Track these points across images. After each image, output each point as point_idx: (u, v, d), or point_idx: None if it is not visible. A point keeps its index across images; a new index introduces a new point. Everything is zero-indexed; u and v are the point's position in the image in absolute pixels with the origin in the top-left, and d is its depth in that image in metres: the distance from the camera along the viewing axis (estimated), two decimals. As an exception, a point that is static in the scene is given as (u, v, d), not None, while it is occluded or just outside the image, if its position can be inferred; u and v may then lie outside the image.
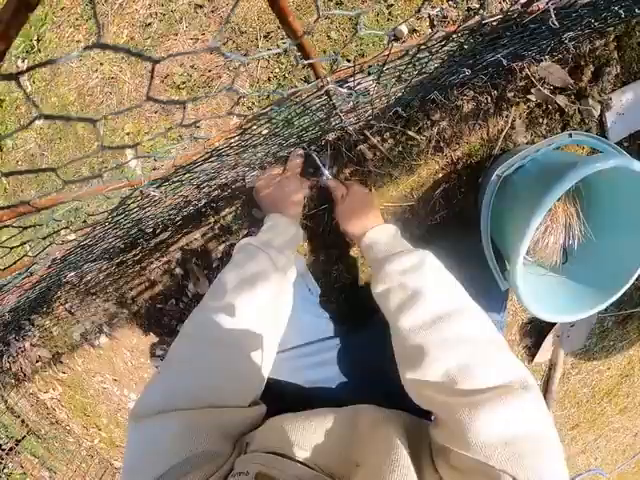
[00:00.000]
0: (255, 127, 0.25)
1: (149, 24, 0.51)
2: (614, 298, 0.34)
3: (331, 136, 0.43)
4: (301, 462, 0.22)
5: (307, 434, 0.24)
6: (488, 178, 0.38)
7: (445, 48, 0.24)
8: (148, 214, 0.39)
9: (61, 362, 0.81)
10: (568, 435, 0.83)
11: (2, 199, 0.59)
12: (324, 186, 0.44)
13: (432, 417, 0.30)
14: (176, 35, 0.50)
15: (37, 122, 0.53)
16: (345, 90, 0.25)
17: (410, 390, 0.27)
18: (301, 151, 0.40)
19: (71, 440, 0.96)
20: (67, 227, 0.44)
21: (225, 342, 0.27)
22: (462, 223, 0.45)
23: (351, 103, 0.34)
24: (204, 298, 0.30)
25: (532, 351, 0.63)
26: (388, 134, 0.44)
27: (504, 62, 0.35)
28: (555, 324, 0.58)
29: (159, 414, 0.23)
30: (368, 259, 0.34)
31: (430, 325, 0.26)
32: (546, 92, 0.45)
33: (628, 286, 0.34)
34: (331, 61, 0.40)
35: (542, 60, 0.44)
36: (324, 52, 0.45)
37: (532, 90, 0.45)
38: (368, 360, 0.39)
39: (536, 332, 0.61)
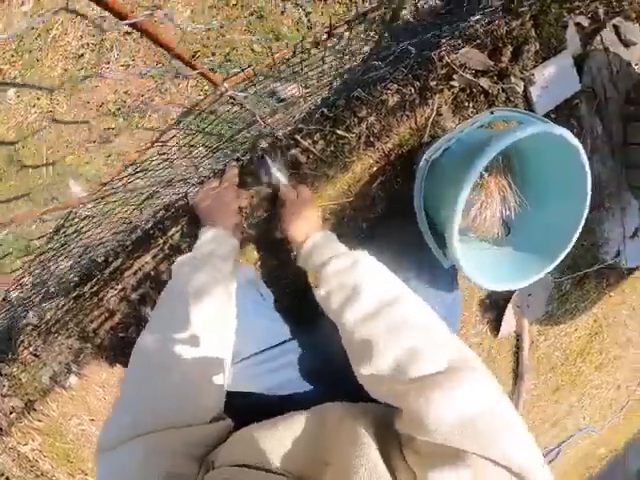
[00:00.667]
0: (171, 140, 0.26)
1: (82, 55, 0.51)
2: (556, 263, 0.36)
3: (263, 144, 0.44)
4: (268, 470, 0.22)
5: (273, 441, 0.25)
6: (418, 164, 0.40)
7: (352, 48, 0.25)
8: (96, 241, 0.39)
9: (35, 409, 0.79)
10: (551, 400, 0.86)
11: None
12: (275, 189, 0.45)
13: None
14: (108, 63, 0.51)
15: None
16: (242, 94, 0.26)
17: (366, 386, 0.28)
18: (235, 162, 0.41)
19: None
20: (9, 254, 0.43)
21: (173, 364, 0.28)
22: (403, 212, 0.47)
23: (268, 108, 0.35)
24: (150, 320, 0.31)
25: (496, 325, 0.65)
26: (318, 135, 0.46)
27: (413, 51, 0.37)
28: (511, 296, 0.61)
29: (121, 444, 0.23)
30: (308, 266, 0.35)
31: (373, 316, 0.27)
32: (468, 76, 0.48)
33: (568, 250, 0.36)
34: (222, 71, 0.41)
35: (461, 47, 0.47)
36: (249, 65, 0.47)
37: (454, 76, 0.48)
38: (330, 356, 0.39)
39: (496, 306, 0.64)
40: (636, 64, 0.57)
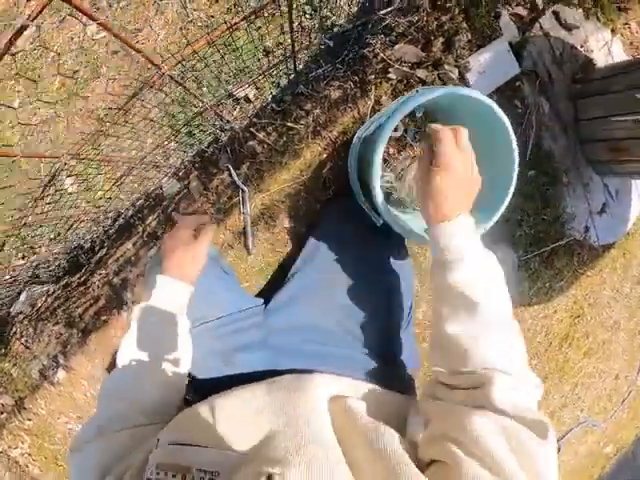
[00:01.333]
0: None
1: (76, 71, 0.61)
2: (486, 228, 0.39)
3: (224, 138, 0.52)
4: (198, 445, 0.23)
5: (209, 419, 0.25)
6: (351, 146, 0.46)
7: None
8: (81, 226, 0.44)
9: (25, 408, 0.82)
10: (540, 387, 0.83)
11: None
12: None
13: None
14: (98, 77, 0.61)
15: None
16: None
17: (434, 387, 0.28)
18: (207, 216, 0.41)
19: None
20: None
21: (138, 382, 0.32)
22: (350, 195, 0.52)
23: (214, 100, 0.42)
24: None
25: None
26: (271, 128, 0.53)
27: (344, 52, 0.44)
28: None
29: (86, 444, 0.28)
30: (434, 249, 0.30)
31: (474, 335, 0.27)
32: (404, 69, 0.54)
33: (498, 216, 0.38)
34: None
35: (394, 43, 0.53)
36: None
37: (390, 70, 0.54)
38: (295, 319, 0.42)
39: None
40: (581, 46, 0.61)
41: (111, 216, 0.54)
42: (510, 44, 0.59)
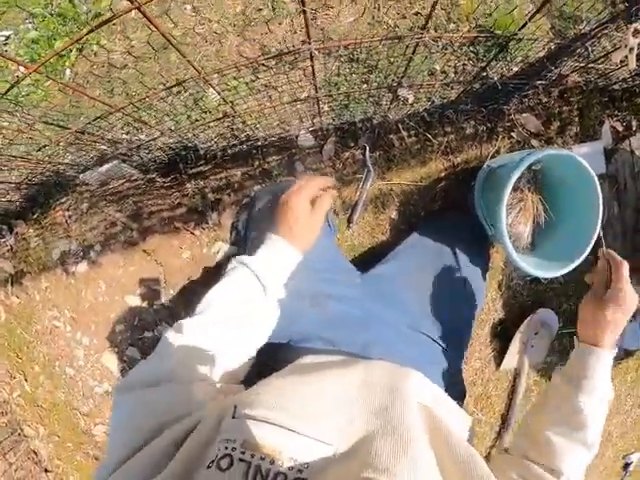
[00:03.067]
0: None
1: (260, 10, 0.66)
2: (573, 266, 0.49)
3: (375, 121, 0.59)
4: (290, 429, 0.22)
5: (299, 400, 0.24)
6: (482, 171, 0.55)
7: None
8: (209, 131, 0.47)
9: (20, 283, 0.77)
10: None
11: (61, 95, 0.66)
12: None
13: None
14: (280, 24, 0.66)
15: (131, 39, 0.63)
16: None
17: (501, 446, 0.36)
18: (333, 180, 0.41)
19: None
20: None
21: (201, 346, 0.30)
22: (454, 211, 0.60)
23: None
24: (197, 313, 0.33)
25: (499, 357, 0.72)
26: (413, 132, 0.61)
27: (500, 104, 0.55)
28: (519, 326, 0.69)
29: (148, 387, 0.27)
30: (575, 364, 0.36)
31: (568, 447, 0.33)
32: (525, 134, 0.66)
33: (582, 258, 0.49)
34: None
35: (524, 111, 0.66)
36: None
37: (514, 130, 0.66)
38: (390, 295, 0.45)
39: (504, 337, 0.72)
40: None
41: (240, 137, 0.58)
42: (604, 148, 0.73)
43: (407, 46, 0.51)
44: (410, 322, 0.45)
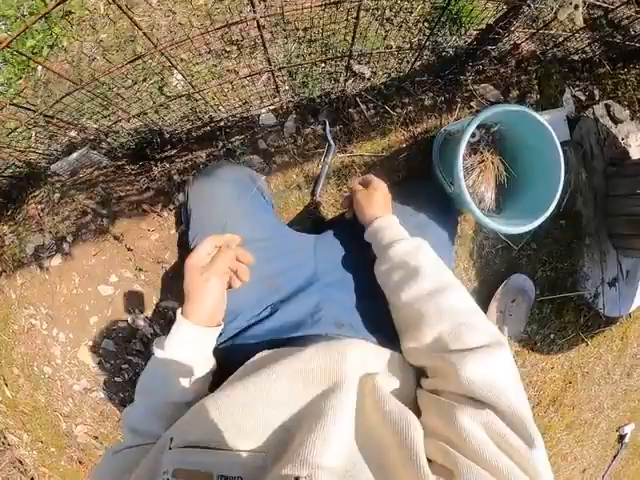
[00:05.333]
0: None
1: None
2: (538, 222, 0.49)
3: (333, 96, 0.60)
4: (224, 449, 0.22)
5: (228, 417, 0.24)
6: (439, 135, 0.57)
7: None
8: (173, 114, 0.49)
9: (-5, 283, 0.76)
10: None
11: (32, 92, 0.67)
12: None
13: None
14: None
15: (100, 33, 0.66)
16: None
17: (409, 357, 0.33)
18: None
19: None
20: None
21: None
22: (417, 180, 0.61)
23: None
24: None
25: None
26: (372, 105, 0.63)
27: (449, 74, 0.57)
28: (494, 294, 0.69)
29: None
30: (373, 243, 0.41)
31: (427, 297, 0.32)
32: (484, 103, 0.68)
33: (547, 214, 0.48)
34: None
35: (482, 82, 0.68)
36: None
37: (474, 100, 0.68)
38: (342, 259, 0.45)
39: (481, 305, 0.71)
40: (622, 139, 0.77)
41: (203, 119, 0.59)
42: (567, 116, 0.74)
43: (348, 11, 0.52)
44: (365, 288, 0.43)
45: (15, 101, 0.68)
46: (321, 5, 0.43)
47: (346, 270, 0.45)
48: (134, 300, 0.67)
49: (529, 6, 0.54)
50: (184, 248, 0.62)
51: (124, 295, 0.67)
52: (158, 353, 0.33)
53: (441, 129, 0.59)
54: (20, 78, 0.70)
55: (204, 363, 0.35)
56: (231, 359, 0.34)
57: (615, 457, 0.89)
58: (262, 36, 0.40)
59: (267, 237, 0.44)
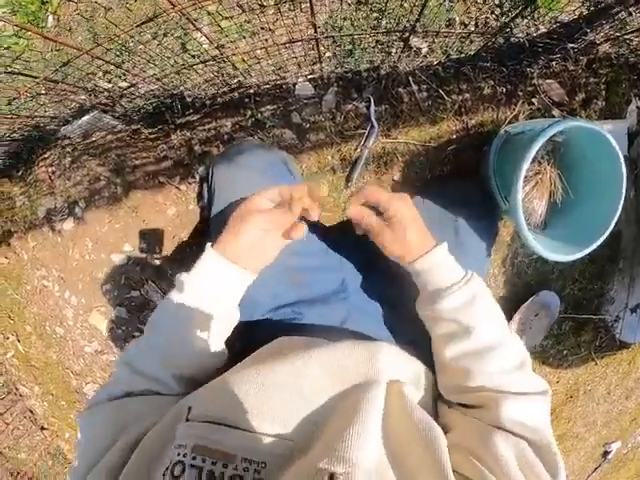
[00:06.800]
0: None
1: None
2: (587, 251, 0.41)
3: (382, 71, 0.49)
4: (245, 429, 0.20)
5: (256, 398, 0.22)
6: (497, 137, 0.46)
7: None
8: (196, 77, 0.39)
9: (9, 243, 0.71)
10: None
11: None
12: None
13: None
14: None
15: None
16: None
17: (442, 389, 0.30)
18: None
19: None
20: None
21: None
22: (462, 177, 0.52)
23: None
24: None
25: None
26: (425, 87, 0.52)
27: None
28: (519, 306, 0.62)
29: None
30: (417, 282, 0.31)
31: (474, 356, 0.27)
32: (546, 101, 0.56)
33: (599, 242, 0.41)
34: None
35: (548, 77, 0.56)
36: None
37: (536, 96, 0.56)
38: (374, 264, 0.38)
39: (504, 313, 0.65)
40: None
41: (231, 84, 0.49)
42: (628, 129, 0.62)
43: None
44: (396, 293, 0.37)
45: (24, 56, 0.58)
46: None
47: (376, 280, 0.39)
48: (148, 271, 0.61)
49: (630, 14, 0.42)
50: (203, 224, 0.55)
51: (138, 265, 0.61)
52: (176, 290, 0.28)
53: (501, 130, 0.48)
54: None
55: (226, 315, 0.29)
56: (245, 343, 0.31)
57: (596, 469, 0.89)
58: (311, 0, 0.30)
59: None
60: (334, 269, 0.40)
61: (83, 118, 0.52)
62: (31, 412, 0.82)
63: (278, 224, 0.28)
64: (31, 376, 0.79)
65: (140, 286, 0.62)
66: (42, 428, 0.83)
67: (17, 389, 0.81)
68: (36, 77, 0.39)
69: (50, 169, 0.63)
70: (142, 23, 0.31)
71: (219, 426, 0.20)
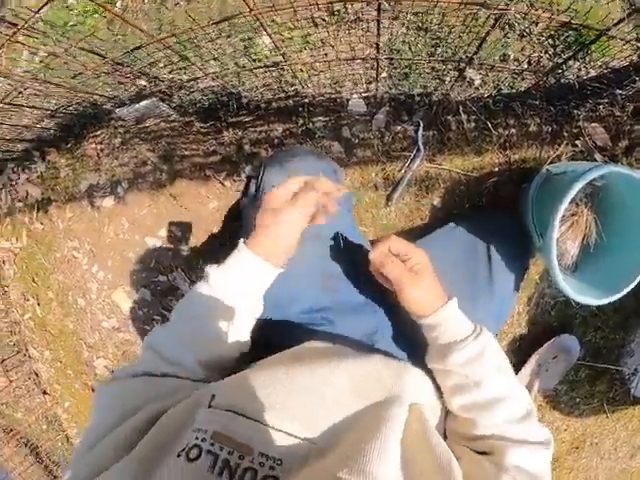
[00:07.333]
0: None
1: None
2: (615, 297, 0.41)
3: (434, 97, 0.52)
4: (266, 424, 0.21)
5: (281, 395, 0.23)
6: (539, 175, 0.48)
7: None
8: (256, 80, 0.42)
9: (46, 210, 0.75)
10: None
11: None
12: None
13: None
14: None
15: None
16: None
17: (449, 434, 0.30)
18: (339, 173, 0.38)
19: (1, 306, 0.82)
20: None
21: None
22: (500, 210, 0.53)
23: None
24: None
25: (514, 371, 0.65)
26: (473, 118, 0.53)
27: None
28: (539, 347, 0.62)
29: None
30: (427, 335, 0.32)
31: (482, 407, 0.28)
32: (589, 145, 0.57)
33: (627, 290, 0.41)
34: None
35: (594, 121, 0.57)
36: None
37: (580, 139, 0.57)
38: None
39: (522, 352, 0.65)
40: None
41: (288, 91, 0.52)
42: None
43: (488, 17, 0.43)
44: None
45: (88, 38, 0.62)
46: (460, 3, 0.33)
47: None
48: (179, 259, 0.64)
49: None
50: (241, 222, 0.58)
51: (170, 251, 0.64)
52: (206, 281, 0.29)
53: (543, 169, 0.49)
54: (96, 12, 0.63)
55: (252, 307, 0.31)
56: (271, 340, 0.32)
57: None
58: (379, 20, 0.33)
59: (337, 236, 0.39)
60: (367, 281, 0.40)
61: (141, 103, 0.55)
62: (36, 375, 0.84)
63: (306, 214, 0.29)
64: (44, 340, 0.82)
65: (169, 272, 0.64)
66: (44, 392, 0.85)
67: (27, 350, 0.84)
68: (104, 57, 0.42)
69: (99, 147, 0.67)
70: (219, 22, 0.34)
71: (241, 417, 0.20)
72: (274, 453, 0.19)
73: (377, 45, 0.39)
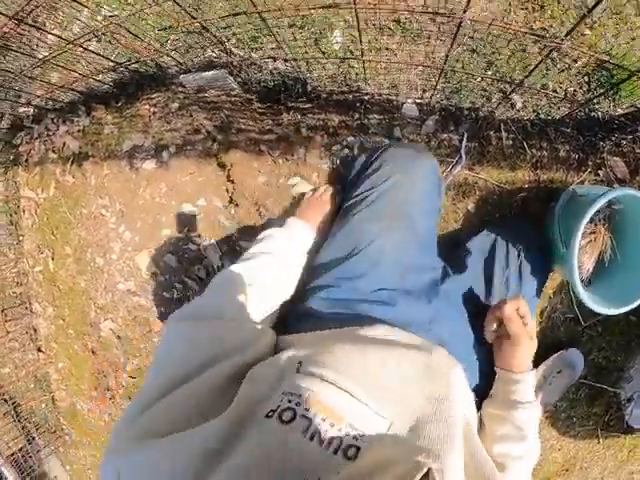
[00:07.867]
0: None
1: None
2: (626, 308, 0.47)
3: (481, 113, 0.57)
4: (354, 396, 0.22)
5: (366, 368, 0.24)
6: (565, 193, 0.54)
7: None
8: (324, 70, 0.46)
9: (81, 165, 0.75)
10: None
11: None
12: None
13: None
14: None
15: None
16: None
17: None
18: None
19: (11, 255, 0.81)
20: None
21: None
22: (526, 221, 0.59)
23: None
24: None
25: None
26: (512, 136, 0.59)
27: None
28: (545, 360, 0.66)
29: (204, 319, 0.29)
30: (498, 384, 0.39)
31: (516, 459, 0.35)
32: (610, 176, 0.64)
33: (636, 304, 0.47)
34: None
35: (615, 155, 0.65)
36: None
37: (602, 169, 0.64)
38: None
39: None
40: None
41: (351, 86, 0.57)
42: None
43: (542, 48, 0.49)
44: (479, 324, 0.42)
45: None
46: (525, 33, 0.40)
47: (464, 306, 0.45)
48: (214, 229, 0.65)
49: None
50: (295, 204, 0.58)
51: (207, 220, 0.66)
52: (266, 241, 0.40)
53: (570, 187, 0.56)
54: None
55: (298, 266, 0.42)
56: (323, 315, 0.36)
57: None
58: (456, 34, 0.38)
59: (425, 240, 0.44)
60: (433, 272, 0.44)
61: (209, 72, 0.58)
62: (34, 330, 0.82)
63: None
64: (50, 296, 0.81)
65: (200, 242, 0.66)
66: (39, 350, 0.82)
67: (30, 304, 0.81)
68: (194, 17, 0.45)
69: (153, 109, 0.69)
70: (311, 8, 0.38)
71: (332, 386, 0.21)
72: (361, 427, 0.20)
73: (447, 57, 0.44)
